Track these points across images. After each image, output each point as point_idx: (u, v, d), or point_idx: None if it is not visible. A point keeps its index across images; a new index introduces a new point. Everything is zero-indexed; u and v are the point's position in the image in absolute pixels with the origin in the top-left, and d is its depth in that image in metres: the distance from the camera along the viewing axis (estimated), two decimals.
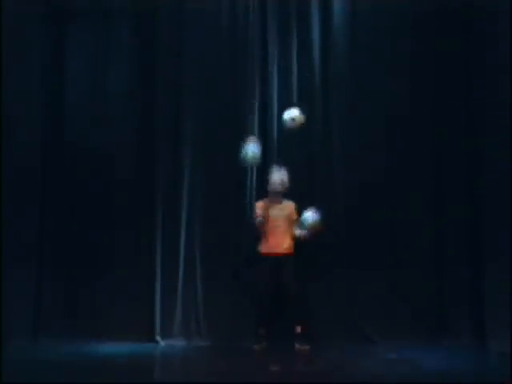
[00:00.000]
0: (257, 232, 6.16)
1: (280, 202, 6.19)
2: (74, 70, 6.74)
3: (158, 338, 6.30)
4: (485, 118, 6.23)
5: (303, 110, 6.07)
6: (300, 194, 6.30)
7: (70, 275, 6.50)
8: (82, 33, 6.80)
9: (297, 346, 6.00)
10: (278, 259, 6.02)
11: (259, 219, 6.08)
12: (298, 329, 6.05)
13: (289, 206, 6.19)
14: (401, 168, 6.44)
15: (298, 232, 6.07)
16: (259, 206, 6.20)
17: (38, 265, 6.43)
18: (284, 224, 6.11)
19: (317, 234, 6.00)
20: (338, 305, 6.26)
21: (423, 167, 6.45)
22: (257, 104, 6.54)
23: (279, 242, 6.07)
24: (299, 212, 6.12)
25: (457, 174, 6.36)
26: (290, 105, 6.24)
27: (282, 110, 6.42)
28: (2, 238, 6.22)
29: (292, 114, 6.04)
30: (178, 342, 6.29)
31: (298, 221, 6.07)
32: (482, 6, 6.25)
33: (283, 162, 6.23)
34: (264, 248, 6.12)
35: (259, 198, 6.34)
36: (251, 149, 5.99)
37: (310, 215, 5.97)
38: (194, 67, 6.65)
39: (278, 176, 6.15)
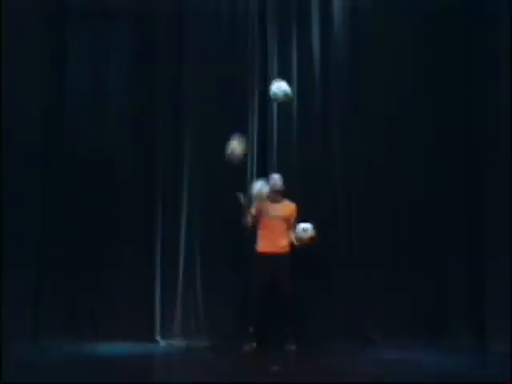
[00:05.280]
0: (245, 230, 6.17)
1: (279, 202, 6.19)
2: (74, 69, 6.74)
3: (158, 338, 6.30)
4: (485, 116, 6.24)
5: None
6: (299, 194, 6.31)
7: (69, 275, 6.50)
8: (83, 33, 6.81)
9: (285, 346, 5.99)
10: (274, 258, 6.02)
11: (245, 219, 6.09)
12: (289, 329, 6.05)
13: (289, 206, 6.18)
14: (401, 168, 6.45)
15: (295, 241, 6.06)
16: (256, 205, 6.21)
17: (37, 265, 6.43)
18: (282, 224, 6.10)
19: (310, 243, 5.99)
20: (338, 305, 6.26)
21: (423, 168, 6.45)
22: (257, 104, 6.53)
23: (276, 241, 6.06)
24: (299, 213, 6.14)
25: (457, 174, 6.37)
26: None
27: (282, 109, 6.44)
28: (2, 238, 6.22)
29: (282, 87, 5.99)
30: (178, 342, 6.29)
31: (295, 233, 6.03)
32: (482, 7, 6.27)
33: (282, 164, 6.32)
34: (261, 247, 6.12)
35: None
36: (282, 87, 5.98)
37: (303, 229, 5.96)
38: (194, 67, 6.65)
39: (278, 176, 6.17)
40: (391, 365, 5.45)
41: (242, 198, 6.07)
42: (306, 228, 5.95)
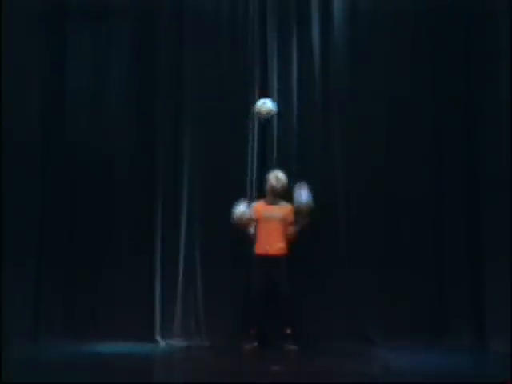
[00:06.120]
0: (240, 230, 6.18)
1: (277, 204, 6.19)
2: (74, 69, 6.73)
3: (158, 337, 6.30)
4: (485, 116, 6.25)
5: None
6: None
7: (69, 275, 6.50)
8: (82, 33, 6.80)
9: (285, 346, 5.99)
10: (271, 260, 6.03)
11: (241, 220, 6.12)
12: (288, 330, 6.04)
13: (285, 208, 6.18)
14: (401, 168, 6.44)
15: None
16: (254, 208, 6.20)
17: (37, 265, 6.43)
18: (278, 225, 6.10)
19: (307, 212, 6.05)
20: (338, 305, 6.26)
21: (423, 168, 6.44)
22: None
23: (273, 242, 6.07)
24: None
25: (457, 173, 6.36)
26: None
27: (282, 109, 6.44)
28: (2, 238, 6.22)
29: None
30: (178, 342, 6.29)
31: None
32: (482, 6, 6.27)
33: (281, 163, 6.31)
34: (258, 249, 6.13)
35: (259, 196, 6.35)
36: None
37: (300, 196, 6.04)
38: (194, 67, 6.65)
39: (276, 176, 6.16)
40: (391, 365, 5.45)
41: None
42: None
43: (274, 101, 6.24)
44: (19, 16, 6.49)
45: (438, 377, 5.07)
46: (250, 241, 6.20)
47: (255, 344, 6.04)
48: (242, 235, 6.21)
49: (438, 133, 6.46)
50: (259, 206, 6.21)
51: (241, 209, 6.10)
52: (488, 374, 5.27)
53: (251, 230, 6.18)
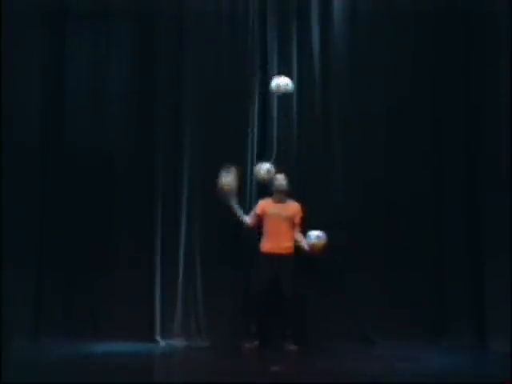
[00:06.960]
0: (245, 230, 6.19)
1: (283, 202, 6.18)
2: (74, 69, 6.73)
3: (158, 337, 6.30)
4: (485, 116, 6.26)
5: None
6: (299, 194, 6.31)
7: (69, 275, 6.50)
8: (82, 33, 6.80)
9: (285, 346, 5.99)
10: (277, 259, 6.02)
11: (245, 221, 6.11)
12: (289, 329, 6.05)
13: (293, 206, 6.17)
14: (401, 168, 6.45)
15: (303, 242, 6.04)
16: (259, 205, 6.20)
17: (37, 265, 6.43)
18: (286, 224, 6.09)
19: (316, 254, 5.99)
20: (338, 305, 6.27)
21: (423, 169, 6.46)
22: (257, 103, 6.53)
23: (280, 242, 6.06)
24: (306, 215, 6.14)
25: (457, 173, 6.37)
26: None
27: (282, 108, 6.44)
28: (2, 238, 6.21)
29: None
30: (178, 342, 6.29)
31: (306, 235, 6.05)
32: (482, 7, 6.28)
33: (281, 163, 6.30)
34: (264, 247, 6.12)
35: (259, 196, 6.36)
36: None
37: (315, 235, 5.97)
38: (194, 67, 6.65)
39: (282, 176, 6.17)
40: (391, 365, 5.45)
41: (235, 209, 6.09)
42: (319, 236, 5.95)
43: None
44: (19, 16, 6.49)
45: (438, 377, 5.09)
46: (244, 228, 6.17)
47: (256, 343, 6.04)
48: (240, 227, 6.19)
49: (437, 133, 6.47)
50: (266, 204, 6.19)
51: (226, 177, 6.06)
52: (488, 373, 5.28)
53: (233, 202, 6.09)
